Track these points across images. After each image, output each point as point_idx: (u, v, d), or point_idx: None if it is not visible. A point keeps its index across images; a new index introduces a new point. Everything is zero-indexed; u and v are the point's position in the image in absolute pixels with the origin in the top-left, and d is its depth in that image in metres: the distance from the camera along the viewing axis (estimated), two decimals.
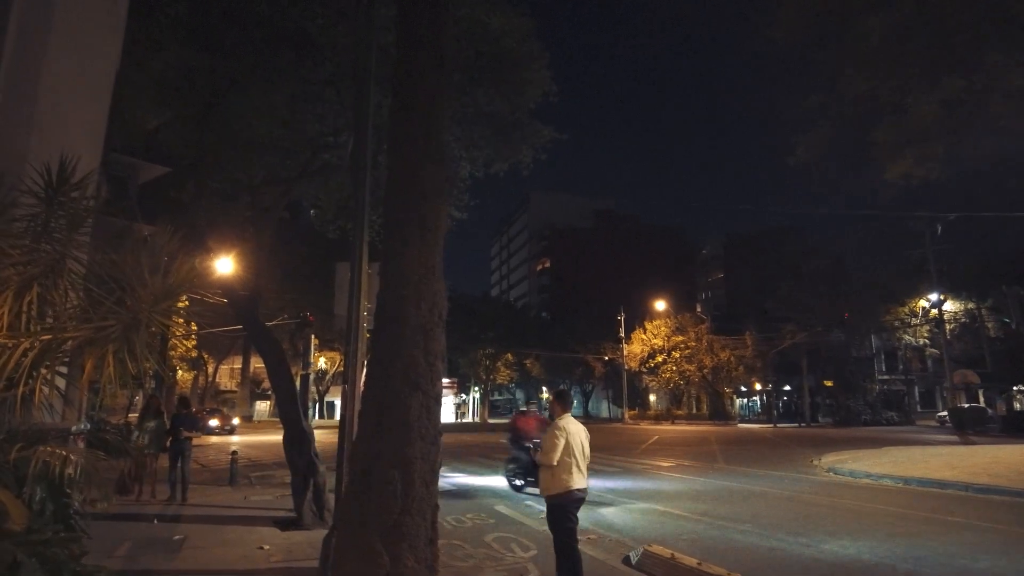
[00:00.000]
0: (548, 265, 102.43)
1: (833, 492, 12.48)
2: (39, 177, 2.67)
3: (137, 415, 13.07)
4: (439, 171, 5.33)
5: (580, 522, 5.57)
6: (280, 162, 11.11)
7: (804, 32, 13.46)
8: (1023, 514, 10.07)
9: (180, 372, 43.00)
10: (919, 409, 53.97)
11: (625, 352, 54.77)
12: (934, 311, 36.97)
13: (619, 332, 55.18)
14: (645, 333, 55.31)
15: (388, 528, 4.37)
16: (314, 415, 49.13)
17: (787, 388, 58.20)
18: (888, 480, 13.96)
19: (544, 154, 11.81)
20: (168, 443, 11.54)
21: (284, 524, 8.91)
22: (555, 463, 5.37)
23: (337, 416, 11.04)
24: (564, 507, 5.43)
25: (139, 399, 18.77)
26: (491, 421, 60.73)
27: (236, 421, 39.93)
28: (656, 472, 16.21)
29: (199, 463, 16.68)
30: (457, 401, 71.47)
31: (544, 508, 5.83)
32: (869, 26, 12.00)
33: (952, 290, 41.41)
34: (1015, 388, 41.69)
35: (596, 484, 12.33)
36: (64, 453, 2.24)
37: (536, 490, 10.79)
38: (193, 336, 33.77)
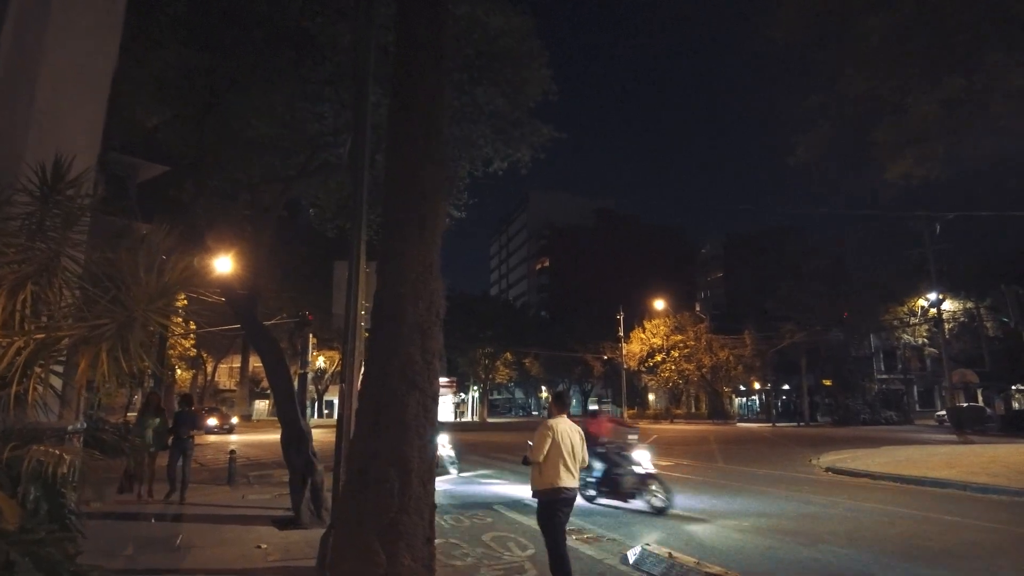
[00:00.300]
0: (547, 264, 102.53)
1: (831, 491, 12.48)
2: (34, 175, 2.66)
3: (136, 414, 13.05)
4: (438, 170, 5.32)
5: (581, 523, 5.56)
6: (279, 161, 11.11)
7: (804, 32, 13.47)
8: (1021, 513, 10.07)
9: (179, 371, 42.99)
10: (918, 408, 54.02)
11: (624, 351, 54.79)
12: (933, 310, 36.98)
13: (618, 331, 55.20)
14: (644, 332, 55.37)
15: (385, 527, 4.36)
16: (313, 414, 49.16)
17: (786, 387, 58.34)
18: (886, 479, 13.96)
19: (543, 153, 11.81)
20: (170, 441, 11.52)
21: (282, 523, 8.91)
22: (541, 460, 5.50)
23: (336, 415, 11.02)
24: (550, 504, 5.51)
25: (138, 397, 18.78)
26: (490, 420, 60.79)
27: (235, 420, 39.91)
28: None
29: (198, 462, 16.67)
30: (456, 400, 71.51)
31: None
32: (869, 26, 12.00)
33: (951, 290, 41.43)
34: (1013, 387, 41.79)
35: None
36: (58, 452, 2.23)
37: (615, 501, 10.64)
38: (192, 335, 33.77)
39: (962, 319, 44.97)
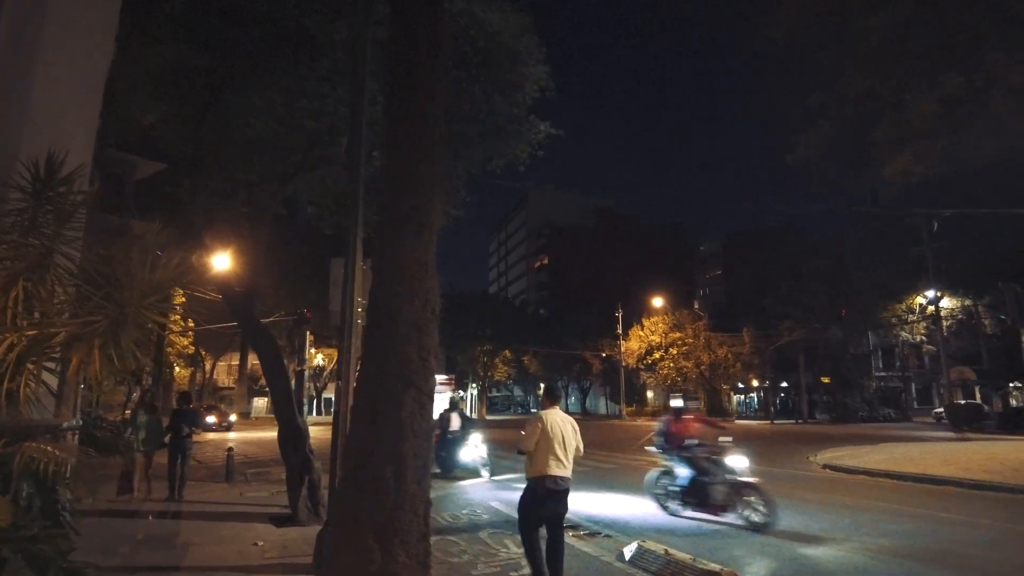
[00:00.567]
0: (546, 262, 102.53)
1: (828, 488, 12.51)
2: (27, 171, 2.65)
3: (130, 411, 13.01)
4: (434, 168, 5.31)
5: (573, 518, 5.56)
6: (277, 159, 11.08)
7: (804, 32, 13.45)
8: (1018, 510, 10.10)
9: (177, 368, 42.96)
10: (916, 406, 54.13)
11: (623, 349, 54.85)
12: (931, 308, 37.03)
13: (617, 329, 55.24)
14: (643, 330, 55.40)
15: (380, 524, 4.36)
16: (311, 411, 49.14)
17: (784, 385, 58.40)
18: (884, 476, 13.99)
19: (541, 151, 11.78)
20: (168, 439, 11.44)
21: (279, 520, 8.92)
22: (532, 449, 5.71)
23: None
24: (534, 491, 5.68)
25: (136, 394, 18.76)
26: (489, 417, 60.77)
27: (233, 418, 39.93)
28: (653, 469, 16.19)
29: (196, 460, 16.67)
30: (455, 397, 71.50)
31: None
32: (869, 26, 12.00)
33: (950, 287, 41.49)
34: (1011, 385, 41.86)
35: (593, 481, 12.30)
36: (49, 449, 2.23)
37: (704, 515, 9.17)
38: (190, 332, 33.75)
39: (960, 317, 45.07)
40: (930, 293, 35.89)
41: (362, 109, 7.22)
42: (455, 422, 15.26)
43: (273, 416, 10.53)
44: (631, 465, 17.04)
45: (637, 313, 57.22)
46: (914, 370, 55.26)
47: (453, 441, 14.85)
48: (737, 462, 9.22)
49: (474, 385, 70.97)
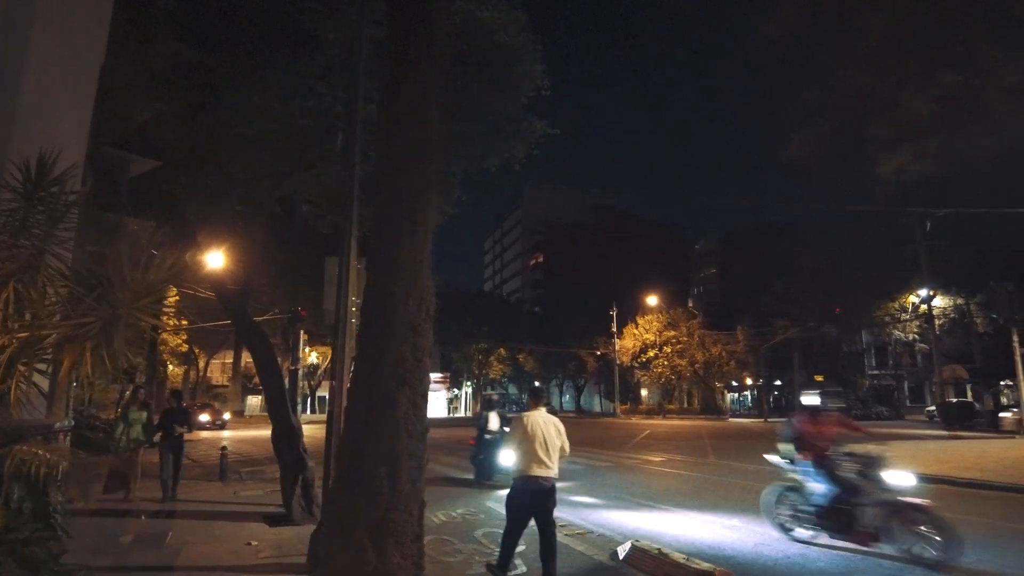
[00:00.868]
0: (541, 260, 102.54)
1: None
2: (18, 171, 2.63)
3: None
4: (429, 166, 5.30)
5: (570, 519, 5.56)
6: (273, 157, 11.03)
7: (802, 29, 13.49)
8: (1010, 508, 10.16)
9: (171, 367, 42.79)
10: (908, 404, 54.42)
11: (617, 347, 54.92)
12: (924, 307, 37.19)
13: (611, 327, 55.33)
14: (637, 328, 55.54)
15: (375, 524, 4.36)
16: (305, 410, 49.09)
17: (778, 383, 58.57)
18: None
19: (537, 150, 11.77)
20: (159, 438, 11.30)
21: (273, 520, 8.89)
22: (514, 450, 5.87)
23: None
24: (517, 491, 5.79)
25: (128, 392, 18.66)
26: None
27: (227, 416, 39.77)
28: (646, 467, 16.26)
29: (189, 458, 16.61)
30: (450, 396, 71.56)
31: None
32: (866, 23, 12.03)
33: (943, 286, 41.70)
34: (1003, 383, 42.03)
35: (591, 481, 12.31)
36: (40, 452, 2.21)
37: (846, 543, 7.32)
38: (183, 331, 33.61)
39: (953, 315, 45.30)
40: (923, 292, 36.03)
41: (358, 107, 7.20)
42: (494, 422, 13.51)
43: (267, 414, 10.49)
44: (624, 464, 17.08)
45: (632, 311, 57.34)
46: (907, 368, 55.55)
47: (492, 443, 12.91)
48: (899, 478, 7.51)
49: (469, 383, 70.99)
